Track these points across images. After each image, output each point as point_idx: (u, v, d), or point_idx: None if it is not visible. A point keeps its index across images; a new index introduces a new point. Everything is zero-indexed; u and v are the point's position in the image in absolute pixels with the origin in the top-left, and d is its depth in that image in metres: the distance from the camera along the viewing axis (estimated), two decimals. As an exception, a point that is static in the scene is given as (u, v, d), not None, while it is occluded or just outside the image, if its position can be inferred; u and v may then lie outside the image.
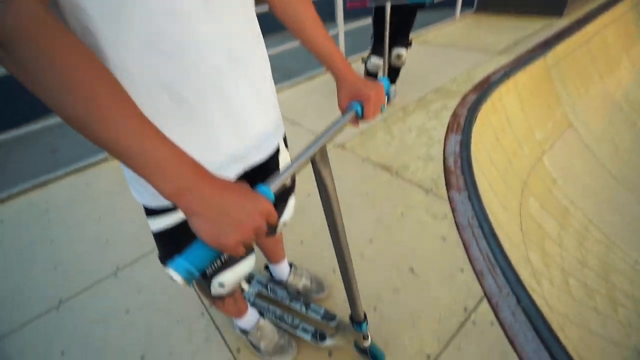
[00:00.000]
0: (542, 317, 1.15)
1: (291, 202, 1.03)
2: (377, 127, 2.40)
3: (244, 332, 1.12)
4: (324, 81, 3.26)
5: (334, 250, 1.48)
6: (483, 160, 2.44)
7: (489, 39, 4.02)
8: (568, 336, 1.87)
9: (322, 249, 1.49)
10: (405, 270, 1.30)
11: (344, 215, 1.82)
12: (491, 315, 1.16)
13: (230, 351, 1.14)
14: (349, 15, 3.38)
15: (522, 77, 3.09)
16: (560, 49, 3.56)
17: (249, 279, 1.31)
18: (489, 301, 1.21)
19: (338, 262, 0.79)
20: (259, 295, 1.25)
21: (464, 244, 1.44)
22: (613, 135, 3.72)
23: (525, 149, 2.96)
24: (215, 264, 0.76)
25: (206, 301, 1.33)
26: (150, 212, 0.72)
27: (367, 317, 1.16)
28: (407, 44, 2.50)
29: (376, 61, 2.52)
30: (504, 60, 3.31)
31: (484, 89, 2.80)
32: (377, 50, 2.55)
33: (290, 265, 1.31)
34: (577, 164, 3.25)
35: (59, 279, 1.50)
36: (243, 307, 1.07)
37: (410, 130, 2.33)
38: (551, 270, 2.39)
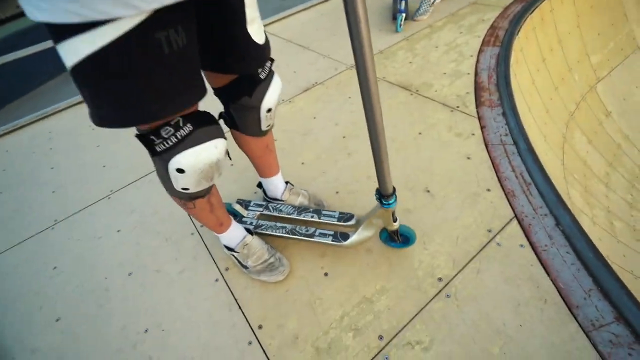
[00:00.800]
0: (588, 241, 0.94)
1: (275, 82, 0.82)
2: (398, 47, 2.07)
3: (230, 249, 1.02)
4: (338, 3, 2.86)
5: (339, 172, 1.30)
6: (524, 81, 2.07)
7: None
8: (608, 276, 1.65)
9: (325, 171, 1.32)
10: (419, 191, 1.13)
11: (351, 137, 1.56)
12: (520, 238, 0.97)
13: (218, 269, 1.05)
14: None
15: (581, -15, 2.53)
16: (635, -51, 2.85)
17: (246, 204, 1.17)
18: (520, 222, 1.01)
19: (367, 120, 0.66)
20: (262, 216, 1.12)
21: (493, 162, 1.20)
22: (690, 61, 3.09)
23: (576, 75, 2.51)
24: (168, 137, 0.59)
25: (197, 221, 1.22)
26: (66, 32, 0.44)
27: (374, 239, 1.01)
28: None
29: None
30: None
31: (532, -2, 2.32)
32: None
33: (286, 183, 1.15)
34: (639, 94, 2.75)
35: (56, 201, 1.46)
36: (225, 219, 0.93)
37: (436, 47, 1.98)
38: (594, 210, 2.11)
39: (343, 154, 1.39)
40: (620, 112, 2.64)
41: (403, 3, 2.15)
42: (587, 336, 0.76)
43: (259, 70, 0.77)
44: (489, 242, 0.98)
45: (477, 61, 1.76)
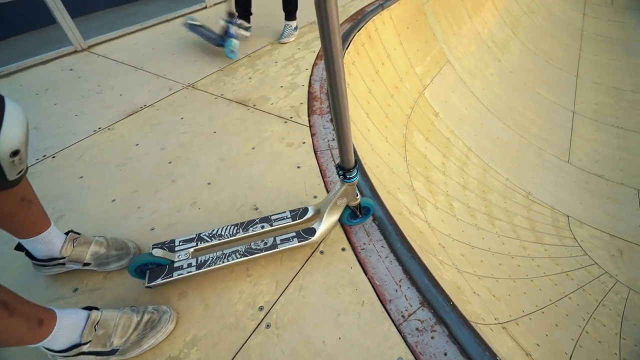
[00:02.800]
0: (398, 231, 0.98)
1: (12, 109, 0.58)
2: (239, 64, 2.01)
3: (72, 348, 0.64)
4: (181, 23, 2.68)
5: (158, 203, 1.06)
6: (360, 91, 2.28)
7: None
8: (449, 252, 1.88)
9: (140, 206, 1.09)
10: (247, 210, 1.03)
11: (178, 160, 1.27)
12: (342, 242, 0.96)
13: None
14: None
15: (397, 10, 3.01)
16: (431, -15, 3.59)
17: (169, 246, 0.82)
18: (342, 224, 0.99)
19: (330, 95, 0.64)
20: (198, 251, 0.83)
21: (321, 168, 1.20)
22: (483, 69, 4.02)
23: (407, 83, 2.92)
24: None
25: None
26: None
27: (190, 278, 0.84)
28: None
29: None
30: (382, -4, 3.20)
31: (358, 19, 2.62)
32: None
33: (68, 233, 0.86)
34: (455, 97, 3.39)
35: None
36: (42, 313, 0.62)
37: (276, 62, 2.00)
38: (436, 196, 2.44)
39: (166, 182, 1.19)
40: (444, 112, 3.20)
41: (232, 27, 1.98)
42: (398, 330, 0.75)
43: None
44: (313, 252, 0.92)
45: (311, 74, 1.83)
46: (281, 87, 1.73)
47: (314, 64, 1.93)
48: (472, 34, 4.21)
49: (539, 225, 2.88)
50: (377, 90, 2.43)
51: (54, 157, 1.34)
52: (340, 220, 0.94)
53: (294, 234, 0.86)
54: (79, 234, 0.88)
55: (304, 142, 1.33)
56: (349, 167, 0.77)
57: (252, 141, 1.36)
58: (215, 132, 1.43)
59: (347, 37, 2.24)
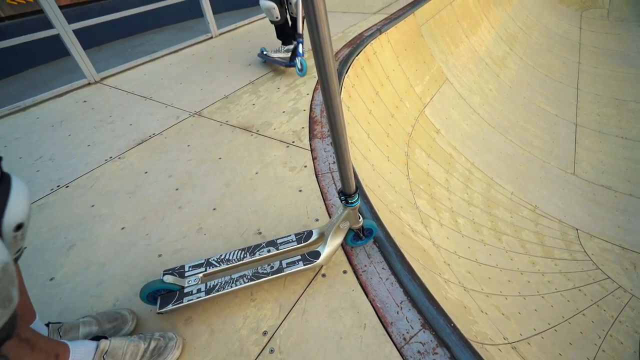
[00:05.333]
0: (397, 252, 1.00)
1: (17, 186, 0.60)
2: (243, 91, 2.09)
3: None
4: (189, 54, 2.82)
5: (165, 230, 1.08)
6: (360, 112, 2.34)
7: (366, 1, 4.04)
8: (455, 270, 1.87)
9: (148, 233, 1.13)
10: (251, 234, 1.05)
11: (185, 187, 1.34)
12: (343, 264, 0.97)
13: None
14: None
15: (394, 34, 3.12)
16: (427, 8, 3.72)
17: (179, 271, 0.83)
18: (343, 247, 1.01)
19: (329, 124, 0.69)
20: (206, 276, 0.87)
21: (322, 191, 1.23)
22: (482, 85, 4.09)
23: (407, 103, 2.99)
24: None
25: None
26: None
27: (197, 303, 0.86)
28: None
29: (265, 4, 2.15)
30: (379, 18, 3.33)
31: (357, 44, 2.72)
32: None
33: (48, 324, 0.79)
34: (455, 114, 3.45)
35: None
36: (58, 347, 0.65)
37: (278, 88, 2.08)
38: (440, 213, 2.44)
39: (173, 208, 1.24)
40: (446, 129, 3.24)
41: (301, 47, 2.17)
42: (400, 353, 0.76)
43: None
44: (315, 275, 0.94)
45: (312, 98, 1.90)
46: (283, 112, 1.80)
47: (315, 89, 2.01)
48: (469, 52, 4.31)
49: (548, 240, 2.84)
50: (377, 110, 2.49)
51: (67, 186, 1.41)
52: (344, 242, 0.96)
53: (299, 257, 0.88)
54: (59, 323, 0.81)
55: (305, 166, 1.37)
56: (350, 193, 0.80)
57: (256, 166, 1.41)
58: (220, 158, 1.48)
59: (346, 62, 2.32)
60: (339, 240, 0.89)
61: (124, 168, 1.49)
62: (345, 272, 0.95)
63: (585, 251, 2.81)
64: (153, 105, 2.02)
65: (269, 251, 0.91)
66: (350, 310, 0.85)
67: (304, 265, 0.86)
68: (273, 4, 2.12)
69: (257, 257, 0.90)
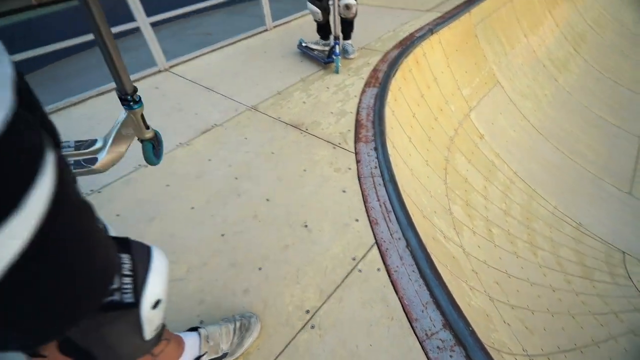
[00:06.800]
0: (428, 258, 1.11)
1: (158, 258, 0.57)
2: (295, 88, 2.24)
3: (197, 358, 0.80)
4: (245, 46, 3.01)
5: (227, 213, 1.30)
6: (404, 115, 2.39)
7: (420, -1, 3.97)
8: (482, 279, 1.92)
9: (213, 215, 1.34)
10: (298, 226, 1.20)
11: (243, 177, 1.59)
12: (378, 263, 1.10)
13: None
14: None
15: (447, 34, 3.07)
16: (485, 5, 3.58)
17: None
18: (379, 247, 1.14)
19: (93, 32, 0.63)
20: None
21: (363, 194, 1.36)
22: (536, 90, 3.89)
23: (452, 106, 2.97)
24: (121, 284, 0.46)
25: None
26: None
27: (253, 279, 1.02)
28: None
29: (312, 7, 2.34)
30: (432, 17, 3.28)
31: (407, 45, 2.74)
32: None
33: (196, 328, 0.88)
34: (502, 119, 3.35)
35: None
36: (176, 337, 0.77)
37: (327, 87, 2.20)
38: (474, 221, 2.46)
39: (233, 195, 1.44)
40: (490, 135, 3.17)
41: (337, 47, 2.31)
42: (422, 346, 0.89)
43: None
44: (353, 269, 1.09)
45: (360, 101, 2.00)
46: (331, 113, 1.92)
47: (362, 92, 2.10)
48: (526, 53, 4.09)
49: (589, 260, 2.75)
50: (421, 114, 2.53)
51: (146, 166, 1.66)
52: (146, 157, 0.87)
53: (72, 162, 0.80)
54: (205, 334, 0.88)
55: (349, 168, 1.50)
56: (128, 92, 0.71)
57: (305, 164, 1.56)
58: (273, 153, 1.65)
59: (394, 64, 2.37)
60: (121, 148, 0.81)
61: (191, 154, 1.72)
62: (379, 269, 1.08)
63: (629, 277, 2.68)
64: (215, 96, 2.24)
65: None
66: (380, 303, 0.99)
67: (78, 168, 0.78)
68: (318, 10, 2.27)
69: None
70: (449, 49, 3.03)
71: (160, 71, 2.69)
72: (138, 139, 0.79)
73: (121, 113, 0.72)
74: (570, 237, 2.86)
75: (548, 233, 2.82)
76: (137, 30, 2.52)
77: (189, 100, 2.23)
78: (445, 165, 2.56)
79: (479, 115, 3.15)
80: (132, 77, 2.56)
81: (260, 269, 1.12)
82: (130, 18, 2.44)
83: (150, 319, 0.54)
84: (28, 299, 0.34)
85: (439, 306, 0.96)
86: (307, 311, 0.99)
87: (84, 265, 0.40)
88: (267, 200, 1.39)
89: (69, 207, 0.37)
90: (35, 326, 0.37)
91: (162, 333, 0.61)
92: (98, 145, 0.82)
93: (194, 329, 0.89)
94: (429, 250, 1.19)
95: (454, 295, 1.02)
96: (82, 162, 0.79)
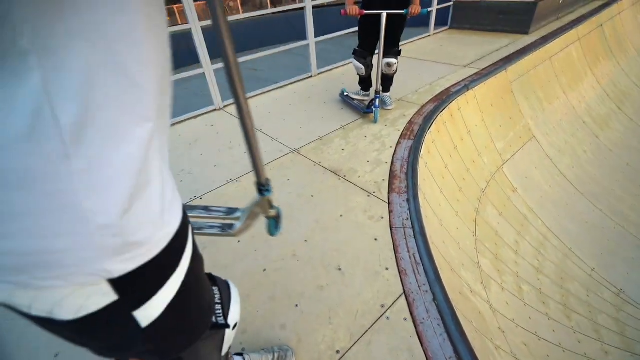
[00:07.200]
0: (454, 315, 1.18)
1: (235, 293, 0.76)
2: (335, 135, 2.46)
3: None
4: (291, 91, 3.33)
5: (269, 250, 1.46)
6: (436, 167, 2.50)
7: (458, 53, 4.17)
8: (509, 339, 1.89)
9: (256, 249, 1.50)
10: (332, 269, 1.33)
11: (285, 217, 1.81)
12: (405, 313, 1.18)
13: None
14: (319, 31, 3.49)
15: (482, 90, 3.21)
16: (522, 63, 3.71)
17: None
18: (407, 298, 1.23)
19: (241, 122, 0.73)
20: None
21: (394, 244, 1.47)
22: (575, 146, 3.85)
23: (485, 158, 3.04)
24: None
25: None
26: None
27: (290, 314, 1.16)
28: (396, 52, 2.57)
29: (356, 63, 2.61)
30: (468, 73, 3.45)
31: (443, 99, 2.90)
32: (356, 53, 2.64)
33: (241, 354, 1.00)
34: (538, 174, 3.34)
35: None
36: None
37: (365, 137, 2.39)
38: (503, 276, 2.43)
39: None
40: (524, 188, 3.17)
41: (378, 100, 2.54)
42: (443, 399, 0.95)
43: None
44: (381, 316, 1.18)
45: (395, 152, 2.16)
46: (368, 161, 2.09)
47: (398, 143, 2.26)
48: (565, 109, 4.10)
49: (630, 331, 2.57)
50: (453, 165, 2.63)
51: (201, 198, 1.89)
52: (268, 230, 1.01)
53: (220, 224, 0.93)
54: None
55: (382, 217, 1.63)
56: (262, 183, 0.84)
57: (341, 209, 1.71)
58: (312, 196, 1.83)
59: (430, 118, 2.53)
60: (252, 222, 0.93)
61: (239, 191, 1.93)
62: (405, 319, 1.17)
63: (678, 355, 2.46)
64: (262, 137, 2.50)
65: (199, 212, 0.95)
66: (406, 352, 1.07)
67: (219, 231, 0.90)
68: (362, 66, 2.53)
69: (194, 213, 0.94)
70: (484, 104, 3.16)
71: (215, 110, 3.05)
72: (264, 216, 0.97)
73: (256, 195, 0.89)
74: (610, 303, 2.70)
75: (585, 297, 2.69)
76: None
77: (239, 139, 2.50)
78: (475, 217, 2.59)
79: (512, 169, 3.18)
80: (190, 114, 2.93)
81: (296, 305, 1.25)
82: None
83: (229, 338, 0.69)
84: (176, 323, 0.50)
85: (461, 363, 1.03)
86: (338, 351, 1.09)
87: (203, 298, 0.57)
88: (305, 241, 1.54)
89: (197, 259, 0.55)
90: (176, 342, 0.53)
91: (228, 352, 0.75)
92: (237, 214, 0.98)
93: (239, 354, 1.03)
94: (454, 304, 1.26)
95: (478, 354, 1.08)
96: (226, 226, 0.95)
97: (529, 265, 2.68)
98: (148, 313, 0.43)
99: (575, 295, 2.66)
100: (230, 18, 3.11)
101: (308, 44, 3.51)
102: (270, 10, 4.30)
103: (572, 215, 3.22)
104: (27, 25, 0.26)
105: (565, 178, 3.48)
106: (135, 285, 0.41)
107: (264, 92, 3.33)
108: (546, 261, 2.80)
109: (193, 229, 0.68)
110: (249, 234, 1.60)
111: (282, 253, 1.48)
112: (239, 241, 1.57)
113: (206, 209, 1.14)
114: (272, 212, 0.96)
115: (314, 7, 3.41)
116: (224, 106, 3.10)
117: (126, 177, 0.35)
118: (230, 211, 1.00)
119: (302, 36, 3.53)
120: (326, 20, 4.23)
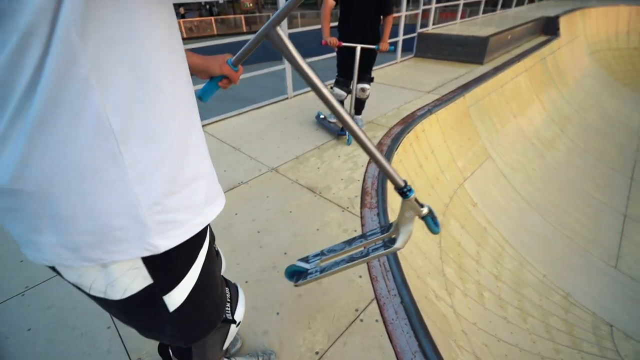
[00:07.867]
0: (418, 314, 1.33)
1: (242, 295, 0.89)
2: (311, 154, 2.62)
3: None
4: (268, 112, 3.49)
5: (250, 263, 1.55)
6: (404, 183, 2.71)
7: (422, 79, 4.58)
8: (471, 340, 2.07)
9: (238, 263, 1.59)
10: (310, 278, 1.43)
11: (264, 231, 1.95)
12: (376, 315, 1.31)
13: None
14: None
15: (443, 114, 3.54)
16: (478, 91, 4.14)
17: (305, 259, 1.17)
18: (378, 302, 1.37)
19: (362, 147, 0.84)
20: (322, 262, 1.13)
21: (366, 254, 1.62)
22: (525, 165, 4.28)
23: (447, 175, 3.32)
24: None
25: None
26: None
27: (272, 321, 1.26)
28: (370, 79, 2.81)
29: (338, 91, 2.80)
30: (431, 98, 3.81)
31: (409, 122, 3.18)
32: (338, 83, 2.84)
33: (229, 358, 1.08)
34: (494, 190, 3.68)
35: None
36: None
37: (339, 156, 2.57)
38: (466, 284, 2.64)
39: (256, 247, 1.70)
40: (483, 203, 3.48)
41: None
42: (409, 388, 1.08)
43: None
44: (355, 319, 1.31)
45: (366, 170, 2.34)
46: (341, 179, 2.26)
47: (369, 162, 2.46)
48: (516, 132, 4.58)
49: (578, 331, 2.86)
50: (419, 182, 2.87)
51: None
52: (429, 229, 1.03)
53: (382, 243, 1.03)
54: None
55: (355, 230, 1.78)
56: (400, 187, 0.90)
57: (317, 223, 1.85)
58: (290, 212, 1.95)
59: (397, 139, 2.78)
60: (410, 227, 1.00)
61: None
62: (377, 320, 1.30)
63: (617, 350, 2.77)
64: (241, 156, 2.61)
65: (361, 241, 1.08)
66: (378, 349, 1.20)
67: (384, 249, 0.99)
68: (344, 94, 2.75)
69: (353, 246, 1.08)
70: (446, 126, 3.49)
71: (194, 129, 3.12)
72: (419, 217, 0.97)
73: (401, 200, 0.91)
74: (559, 306, 3.00)
75: (538, 301, 2.97)
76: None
77: (219, 158, 2.59)
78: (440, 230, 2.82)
79: (472, 185, 3.49)
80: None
81: (277, 313, 1.34)
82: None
83: (231, 334, 0.80)
84: (194, 312, 0.61)
85: (426, 356, 1.17)
86: (317, 352, 1.20)
87: (216, 293, 0.68)
88: (285, 253, 1.65)
89: (211, 259, 0.66)
90: (198, 327, 0.64)
91: (228, 349, 0.85)
92: (393, 228, 1.04)
93: (226, 358, 1.11)
94: (420, 307, 1.41)
95: (441, 349, 1.22)
96: (387, 242, 1.01)
97: (489, 273, 2.93)
98: (174, 299, 0.54)
99: (530, 300, 2.93)
100: (210, 42, 3.25)
101: (284, 68, 3.71)
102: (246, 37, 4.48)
103: (525, 227, 3.56)
104: (89, 59, 0.37)
105: (518, 193, 3.85)
106: (166, 272, 0.52)
107: (243, 112, 3.46)
108: (504, 269, 3.07)
109: (360, 260, 0.93)
110: (230, 248, 1.69)
111: (262, 265, 1.58)
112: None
113: (363, 236, 1.14)
114: (424, 210, 0.97)
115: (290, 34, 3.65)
116: (204, 125, 3.17)
117: (165, 168, 0.46)
118: (385, 228, 1.09)
119: (279, 55, 3.73)
120: (301, 44, 4.49)
